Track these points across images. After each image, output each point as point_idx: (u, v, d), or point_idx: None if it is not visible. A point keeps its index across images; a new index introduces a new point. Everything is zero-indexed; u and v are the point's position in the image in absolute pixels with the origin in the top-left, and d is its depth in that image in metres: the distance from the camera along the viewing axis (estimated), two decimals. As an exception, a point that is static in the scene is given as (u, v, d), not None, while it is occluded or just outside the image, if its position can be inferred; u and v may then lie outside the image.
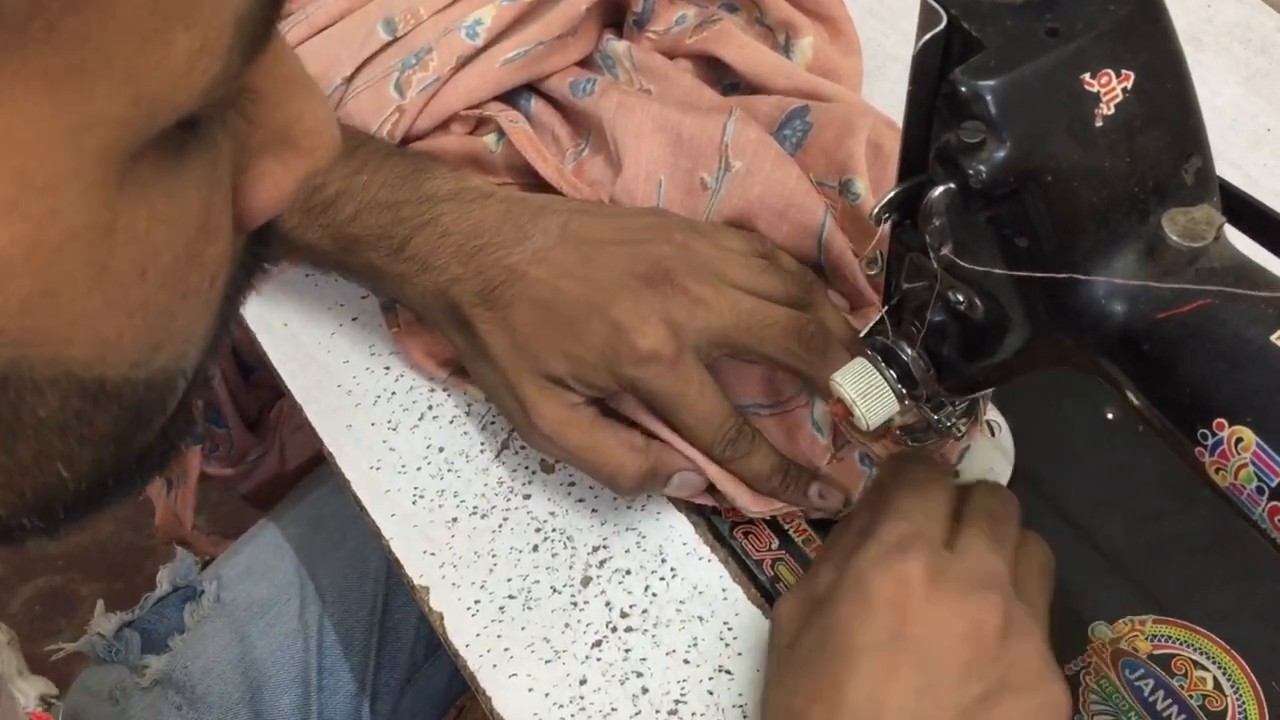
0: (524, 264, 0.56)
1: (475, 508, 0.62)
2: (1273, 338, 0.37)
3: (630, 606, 0.58)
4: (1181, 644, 0.56)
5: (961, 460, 0.60)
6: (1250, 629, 0.56)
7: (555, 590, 0.59)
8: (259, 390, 0.94)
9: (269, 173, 0.30)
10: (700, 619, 0.58)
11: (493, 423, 0.64)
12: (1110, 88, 0.38)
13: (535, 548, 0.60)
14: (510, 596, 0.59)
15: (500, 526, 0.61)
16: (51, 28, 0.22)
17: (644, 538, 0.60)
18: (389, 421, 0.65)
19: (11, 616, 1.46)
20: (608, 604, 0.58)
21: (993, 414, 0.61)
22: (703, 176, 0.62)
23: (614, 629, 0.58)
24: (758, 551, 0.59)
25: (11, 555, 1.54)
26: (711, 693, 0.56)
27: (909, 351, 0.49)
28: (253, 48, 0.26)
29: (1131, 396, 0.40)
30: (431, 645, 0.82)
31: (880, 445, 0.58)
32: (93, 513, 0.30)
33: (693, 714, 0.55)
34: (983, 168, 0.38)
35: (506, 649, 0.57)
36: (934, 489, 0.52)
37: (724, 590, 0.59)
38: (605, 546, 0.60)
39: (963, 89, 0.37)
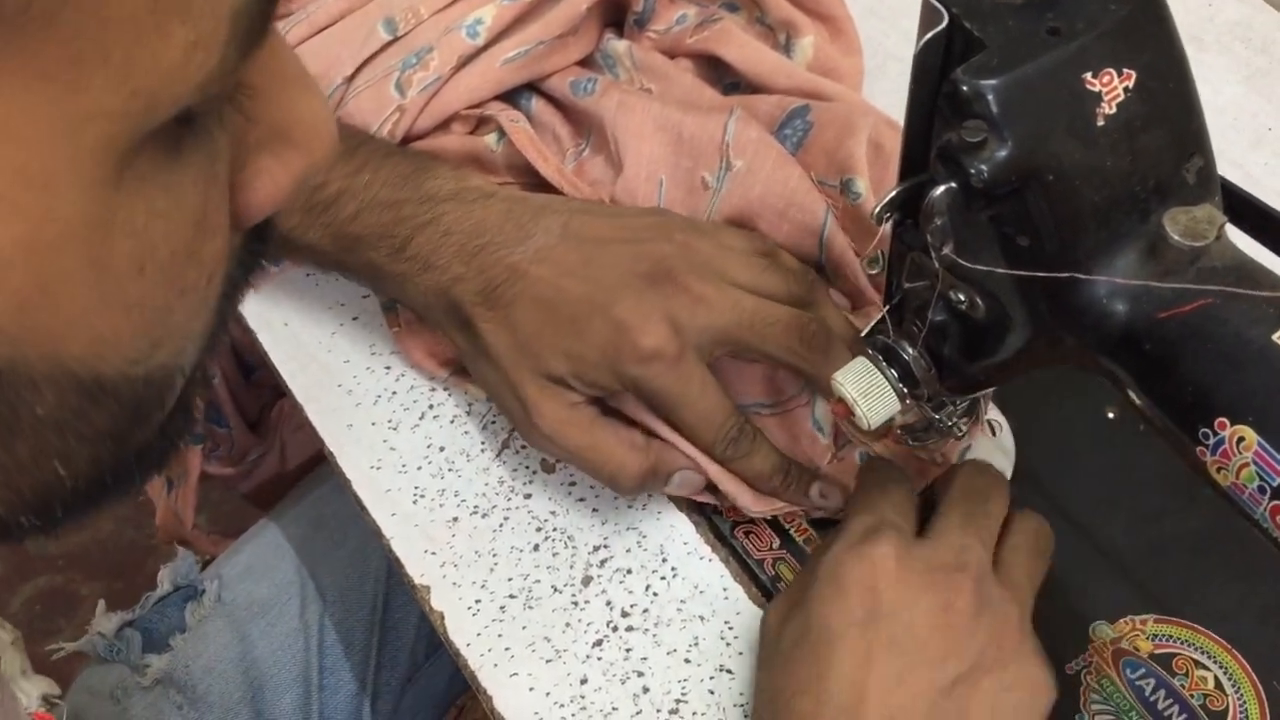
0: (525, 263, 0.56)
1: (476, 507, 0.62)
2: (1274, 337, 0.37)
3: (631, 606, 0.58)
4: (1183, 643, 0.56)
5: (962, 460, 0.60)
6: (1251, 628, 0.56)
7: (556, 589, 0.59)
8: (260, 390, 0.94)
9: (266, 170, 0.30)
10: (701, 618, 0.58)
11: (493, 422, 0.64)
12: (1112, 87, 0.38)
13: (536, 547, 0.60)
14: (511, 596, 0.59)
15: (501, 526, 0.61)
16: (47, 21, 0.22)
17: (645, 537, 0.60)
18: (390, 421, 0.65)
19: (11, 616, 1.46)
20: (609, 603, 0.58)
21: (994, 413, 0.61)
22: (704, 176, 0.62)
23: (615, 628, 0.58)
24: (759, 551, 0.59)
25: (11, 554, 1.54)
26: (713, 692, 0.56)
27: (910, 351, 0.49)
28: (249, 42, 0.25)
29: (1133, 396, 0.40)
30: (432, 644, 0.82)
31: (882, 445, 0.58)
32: (91, 511, 0.30)
33: (694, 713, 0.55)
34: (984, 167, 0.38)
35: (507, 648, 0.57)
36: (896, 485, 0.54)
37: (725, 590, 0.59)
38: (606, 546, 0.60)
39: (964, 88, 0.37)
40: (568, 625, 0.58)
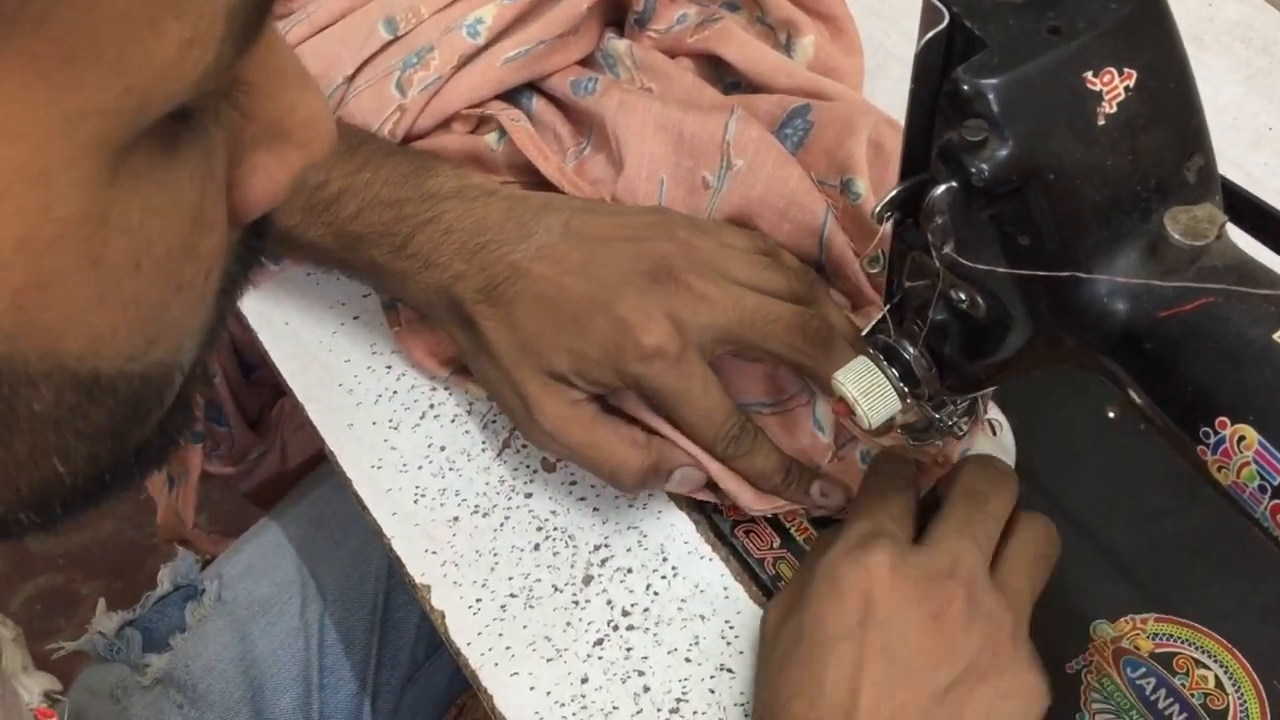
0: (527, 261, 0.56)
1: (477, 506, 0.62)
2: (1275, 336, 0.37)
3: (632, 605, 0.58)
4: (1183, 642, 0.56)
5: (963, 458, 0.60)
6: (1252, 627, 0.56)
7: (557, 589, 0.59)
8: (260, 389, 0.94)
9: (263, 166, 0.30)
10: (702, 617, 0.58)
11: (494, 421, 0.64)
12: (1112, 86, 0.38)
13: (537, 546, 0.60)
14: (512, 595, 0.59)
15: (502, 525, 0.61)
16: (42, 17, 0.22)
17: (645, 536, 0.60)
18: (390, 420, 0.65)
19: (12, 615, 1.46)
20: (609, 602, 0.58)
21: (994, 413, 0.61)
22: (704, 175, 0.62)
23: (615, 627, 0.58)
24: (759, 550, 0.59)
25: (12, 554, 1.54)
26: (713, 691, 0.56)
27: (911, 350, 0.49)
28: (245, 38, 0.25)
29: (1134, 395, 0.40)
30: (433, 644, 0.82)
31: (889, 438, 0.58)
32: (90, 508, 0.30)
33: (694, 712, 0.55)
34: (985, 166, 0.38)
35: (508, 647, 0.57)
36: (894, 493, 0.54)
37: (725, 589, 0.59)
38: (607, 545, 0.60)
39: (965, 87, 0.37)
40: (568, 624, 0.58)
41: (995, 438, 0.61)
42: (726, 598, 0.58)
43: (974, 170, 0.38)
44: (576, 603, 0.58)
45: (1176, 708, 0.54)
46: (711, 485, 0.58)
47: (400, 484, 0.62)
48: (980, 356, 0.46)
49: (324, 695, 0.78)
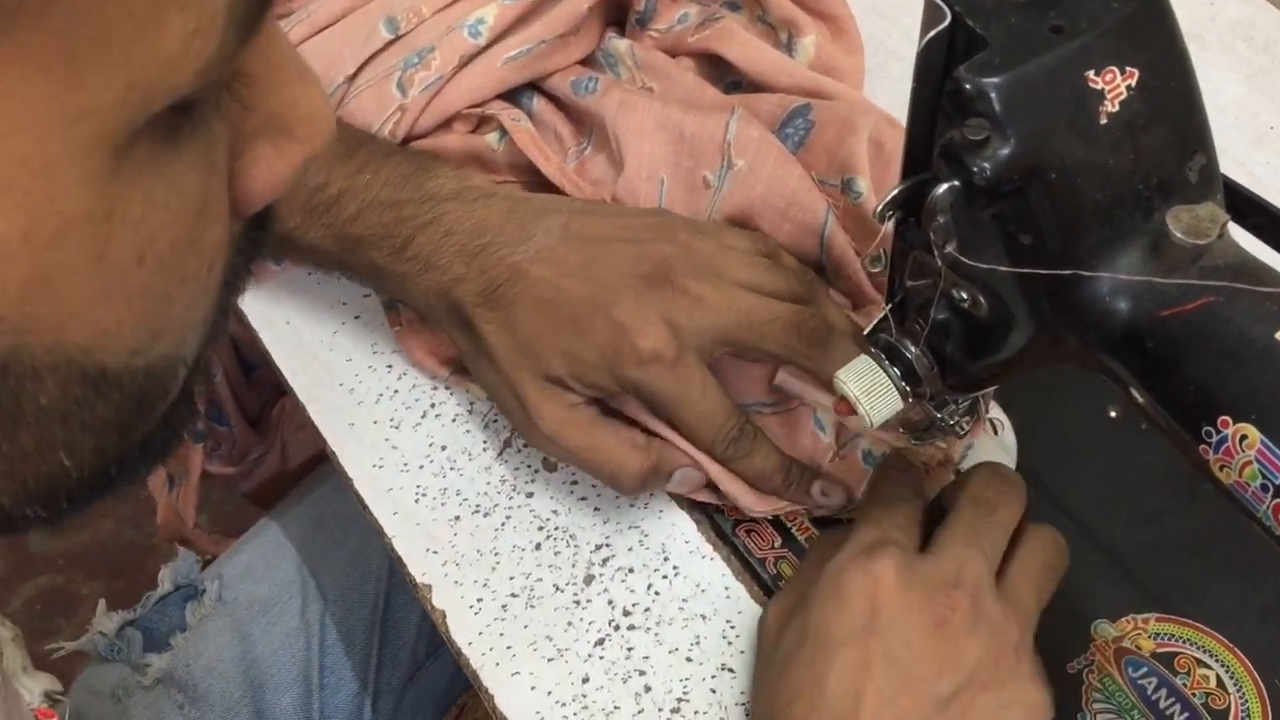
0: (527, 263, 0.56)
1: (478, 506, 0.62)
2: (1277, 335, 0.37)
3: (633, 605, 0.58)
4: (1184, 642, 0.56)
5: (964, 459, 0.60)
6: (1253, 627, 0.56)
7: (558, 588, 0.59)
8: (261, 388, 0.94)
9: (264, 158, 0.30)
10: (703, 617, 0.58)
11: (495, 421, 0.64)
12: (1114, 85, 0.38)
13: (538, 546, 0.60)
14: (513, 595, 0.59)
15: (503, 525, 0.61)
16: (44, 11, 0.21)
17: (646, 536, 0.60)
18: (391, 420, 0.65)
19: (12, 615, 1.46)
20: (610, 602, 0.58)
21: (995, 412, 0.61)
22: (705, 175, 0.62)
23: (617, 627, 0.58)
24: (760, 550, 0.59)
25: (12, 554, 1.54)
26: (714, 691, 0.56)
27: (913, 349, 0.49)
28: (246, 29, 0.25)
29: (1135, 394, 0.40)
30: (433, 643, 0.82)
31: (892, 436, 0.58)
32: (96, 501, 0.30)
33: (695, 712, 0.55)
34: (987, 165, 0.38)
35: (509, 647, 0.57)
36: (901, 501, 0.54)
37: (727, 588, 0.59)
38: (608, 545, 0.60)
39: (967, 86, 0.37)
40: (569, 624, 0.58)
41: (997, 437, 0.61)
42: (728, 597, 0.58)
43: (976, 169, 0.38)
44: (578, 602, 0.58)
45: (1178, 707, 0.54)
46: (712, 486, 0.58)
47: (401, 483, 0.62)
48: (982, 356, 0.46)
49: (324, 695, 0.78)
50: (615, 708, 0.55)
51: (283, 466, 0.97)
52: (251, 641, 0.77)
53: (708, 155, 0.62)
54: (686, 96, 0.65)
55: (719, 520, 0.60)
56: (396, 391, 0.65)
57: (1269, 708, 0.54)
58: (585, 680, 0.56)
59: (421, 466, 0.63)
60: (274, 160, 0.31)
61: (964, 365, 0.47)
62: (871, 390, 0.49)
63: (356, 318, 0.68)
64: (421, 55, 0.64)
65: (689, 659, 0.57)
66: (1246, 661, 0.55)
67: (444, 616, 0.58)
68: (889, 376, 0.49)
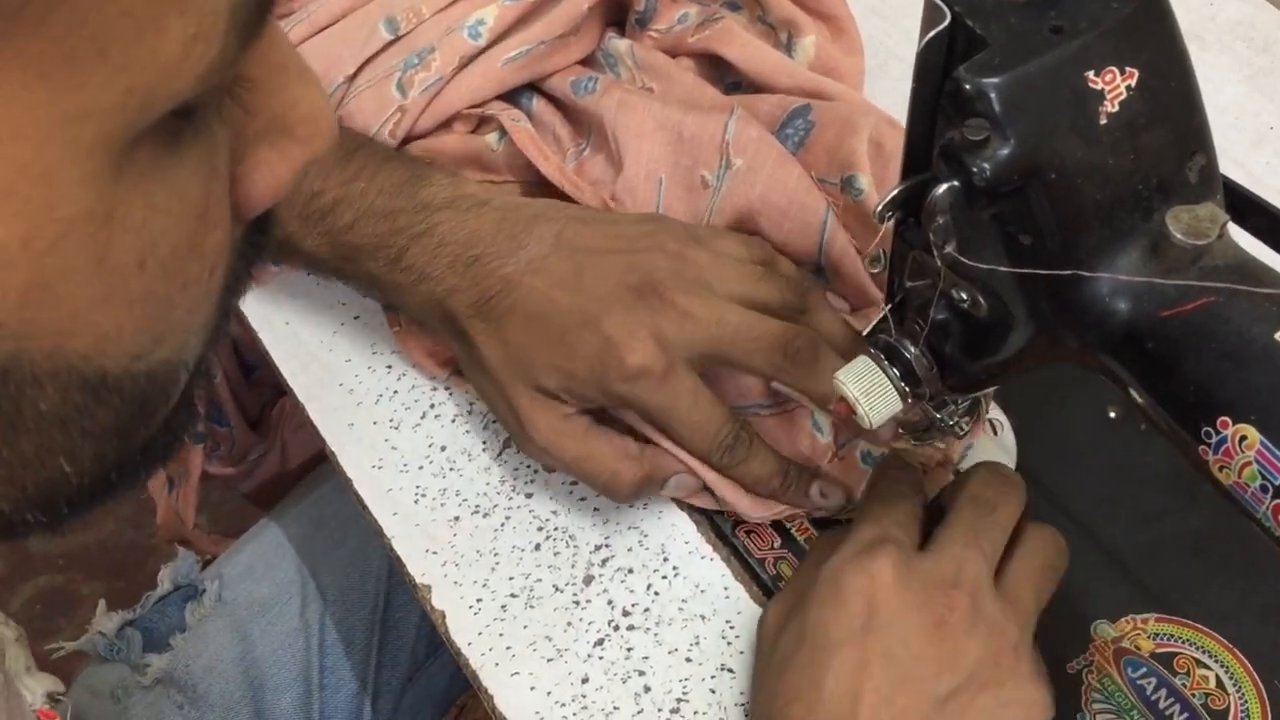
0: (518, 274, 0.56)
1: (477, 506, 0.62)
2: (1277, 336, 0.37)
3: (632, 605, 0.58)
4: (1184, 642, 0.56)
5: (964, 459, 0.60)
6: (1253, 627, 0.56)
7: (557, 589, 0.59)
8: (261, 389, 0.94)
9: (266, 161, 0.30)
10: (702, 617, 0.58)
11: (494, 421, 0.64)
12: (1114, 85, 0.38)
13: (537, 546, 0.60)
14: (512, 595, 0.59)
15: (502, 525, 0.61)
16: (44, 16, 0.21)
17: (646, 536, 0.60)
18: (391, 420, 0.65)
19: (12, 615, 1.46)
20: (610, 602, 0.58)
21: (995, 412, 0.61)
22: (704, 175, 0.62)
23: (616, 627, 0.58)
24: (760, 550, 0.59)
25: (12, 554, 1.54)
26: (714, 691, 0.56)
27: (912, 350, 0.49)
28: (248, 33, 0.25)
29: (1135, 395, 0.40)
30: (433, 644, 0.82)
31: (900, 439, 0.58)
32: (97, 506, 0.30)
33: (695, 713, 0.55)
34: (986, 165, 0.38)
35: (508, 647, 0.57)
36: (901, 499, 0.54)
37: (726, 589, 0.59)
38: (607, 545, 0.60)
39: (967, 86, 0.37)
40: (569, 624, 0.58)
41: (996, 437, 0.61)
42: (727, 598, 0.58)
43: (975, 169, 0.38)
44: (577, 603, 0.58)
45: (1177, 708, 0.54)
46: (709, 491, 0.58)
47: (401, 484, 0.62)
48: (981, 356, 0.46)
49: (324, 695, 0.78)
50: (615, 708, 0.55)
51: (282, 467, 0.97)
52: (251, 642, 0.77)
53: (707, 155, 0.62)
54: (686, 97, 0.65)
55: (718, 521, 0.60)
56: (396, 392, 0.65)
57: (1268, 708, 0.54)
58: (585, 680, 0.56)
59: (421, 467, 0.63)
60: (275, 163, 0.30)
61: (963, 366, 0.47)
62: (871, 391, 0.49)
63: (356, 318, 0.68)
64: (421, 56, 0.64)
65: (688, 659, 0.57)
66: (1246, 662, 0.55)
67: (443, 617, 0.58)
68: (888, 377, 0.49)
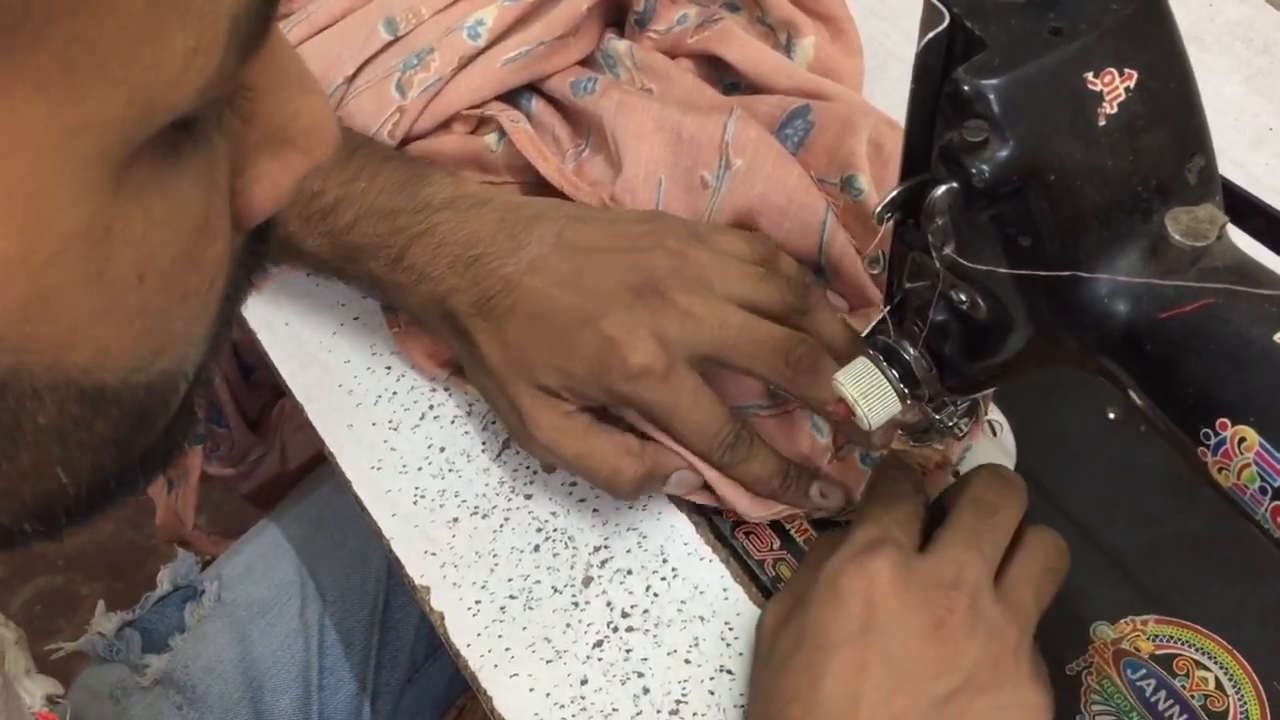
0: (519, 274, 0.56)
1: (476, 508, 0.62)
2: (1276, 337, 0.37)
3: (631, 606, 0.58)
4: (1183, 644, 0.56)
5: (962, 460, 0.60)
6: (1252, 629, 0.56)
7: (556, 590, 0.59)
8: (260, 390, 0.94)
9: (267, 172, 0.30)
10: (701, 619, 0.58)
11: (493, 422, 0.64)
12: (1113, 87, 0.38)
13: (536, 548, 0.60)
14: (511, 596, 0.59)
15: (501, 526, 0.61)
16: (42, 30, 0.21)
17: (645, 538, 0.60)
18: (390, 421, 0.65)
19: (12, 616, 1.46)
20: (609, 604, 0.58)
21: (994, 414, 0.61)
22: (703, 175, 0.62)
23: (615, 629, 0.58)
24: (759, 551, 0.59)
25: (12, 555, 1.54)
26: (713, 693, 0.56)
27: (911, 351, 0.48)
28: (249, 45, 0.25)
29: (1134, 396, 0.40)
30: (432, 645, 0.82)
31: (898, 441, 0.58)
32: (95, 514, 0.30)
33: (694, 714, 0.55)
34: (985, 167, 0.38)
35: (507, 649, 0.57)
36: (903, 500, 0.54)
37: (725, 590, 0.59)
38: (606, 546, 0.60)
39: (966, 88, 0.37)
40: (568, 626, 0.58)
41: (995, 438, 0.61)
42: (726, 599, 0.58)
43: (975, 171, 0.38)
44: (576, 604, 0.58)
45: (1177, 709, 0.54)
46: (708, 488, 0.58)
47: (400, 485, 0.62)
48: (980, 358, 0.46)
49: (323, 696, 0.78)
50: (614, 709, 0.55)
51: (282, 468, 0.97)
52: (250, 642, 0.77)
53: (706, 156, 0.62)
54: (685, 98, 0.65)
55: (717, 522, 0.60)
56: (395, 393, 0.65)
57: (1268, 710, 0.54)
58: (584, 682, 0.56)
59: (420, 468, 0.63)
60: (277, 173, 0.30)
61: (962, 367, 0.47)
62: (870, 392, 0.49)
63: (355, 319, 0.68)
64: (421, 56, 0.64)
65: (687, 661, 0.57)
66: (1245, 664, 0.55)
67: (442, 618, 0.58)
68: (887, 378, 0.49)
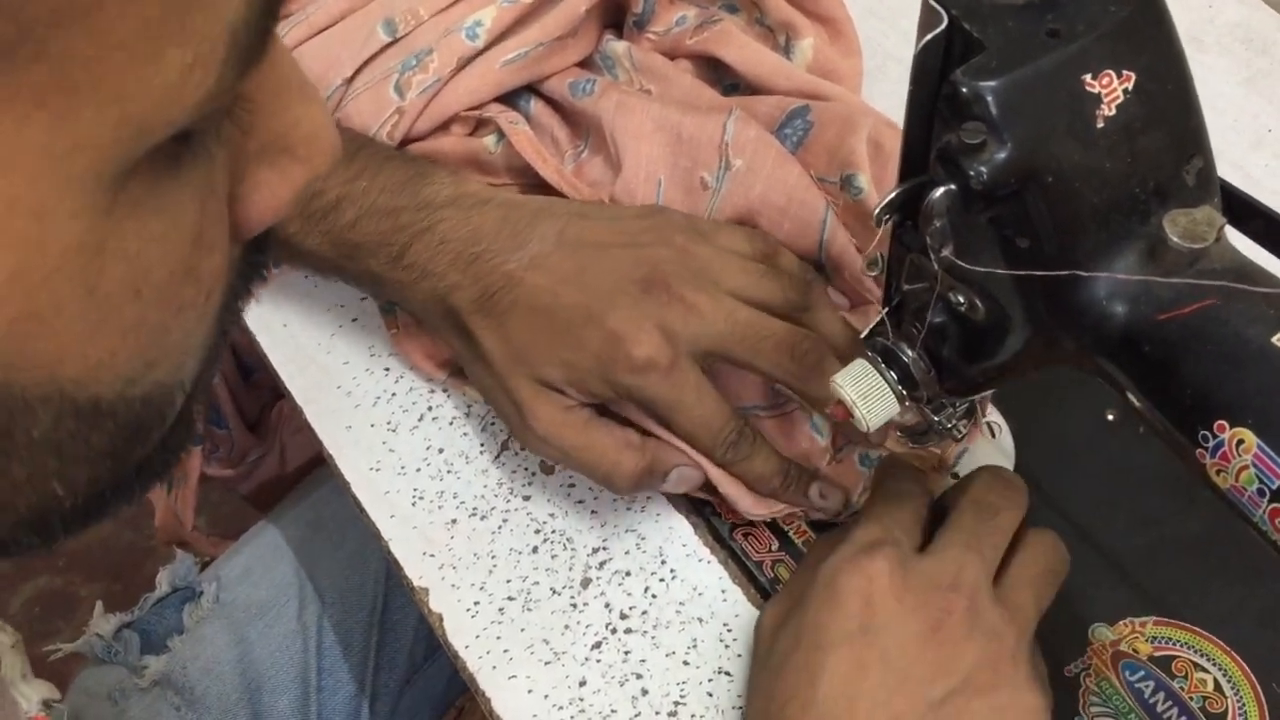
0: (521, 270, 0.56)
1: (475, 509, 0.62)
2: (1274, 339, 0.37)
3: (630, 608, 0.58)
4: (1182, 645, 0.56)
5: (960, 462, 0.60)
6: (1251, 631, 0.56)
7: (555, 592, 0.59)
8: (259, 391, 0.94)
9: (266, 182, 0.30)
10: (700, 620, 0.58)
11: (492, 424, 0.64)
12: (1111, 89, 0.38)
13: (535, 549, 0.60)
14: (510, 598, 0.59)
15: (500, 528, 0.61)
16: (39, 49, 0.21)
17: (644, 539, 0.60)
18: (388, 423, 0.65)
19: (11, 617, 1.46)
20: (607, 605, 0.58)
21: (993, 415, 0.61)
22: (703, 175, 0.62)
23: (614, 630, 0.58)
24: (757, 553, 0.59)
25: (10, 557, 1.53)
26: (711, 694, 0.56)
27: (909, 353, 0.48)
28: (249, 59, 0.25)
29: (1132, 398, 0.40)
30: (431, 646, 0.82)
31: (894, 441, 0.58)
32: (91, 524, 0.30)
33: (692, 715, 0.55)
34: (984, 169, 0.38)
35: (506, 650, 0.57)
36: (907, 499, 0.54)
37: (724, 592, 0.59)
38: (605, 548, 0.60)
39: (964, 90, 0.37)
40: (566, 627, 0.58)
41: (994, 440, 0.61)
42: (725, 600, 0.58)
43: (973, 173, 0.38)
44: (574, 605, 0.58)
45: (1175, 711, 0.54)
46: (709, 486, 0.58)
47: (398, 486, 0.62)
48: (979, 359, 0.46)
49: (322, 697, 0.78)
50: (612, 711, 0.55)
51: (281, 469, 0.97)
52: (249, 644, 0.77)
53: (705, 156, 0.62)
54: (684, 99, 0.65)
55: (716, 523, 0.60)
56: (394, 394, 0.65)
57: (1266, 712, 0.54)
58: (582, 683, 0.56)
59: (419, 470, 0.63)
60: (276, 183, 0.30)
61: (961, 369, 0.47)
62: (868, 394, 0.49)
63: (354, 321, 0.68)
64: (419, 58, 0.64)
65: (686, 662, 0.57)
66: (1244, 665, 0.55)
67: (441, 620, 0.58)
68: (886, 380, 0.49)
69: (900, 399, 0.49)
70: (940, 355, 0.48)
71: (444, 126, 0.66)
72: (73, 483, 0.27)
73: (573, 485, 0.62)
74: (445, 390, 0.65)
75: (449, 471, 0.63)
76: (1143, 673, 0.55)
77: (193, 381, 0.30)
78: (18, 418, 0.25)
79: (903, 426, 0.55)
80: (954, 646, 0.48)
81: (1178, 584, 0.57)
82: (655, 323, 0.54)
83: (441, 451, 0.63)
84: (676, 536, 0.60)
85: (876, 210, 0.43)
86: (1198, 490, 0.39)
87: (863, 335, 0.51)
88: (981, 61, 0.38)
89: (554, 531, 0.61)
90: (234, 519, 1.26)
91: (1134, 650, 0.56)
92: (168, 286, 0.27)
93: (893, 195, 0.43)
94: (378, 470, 0.63)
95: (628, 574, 0.59)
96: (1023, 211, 0.39)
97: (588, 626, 0.58)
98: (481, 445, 0.64)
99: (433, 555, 0.60)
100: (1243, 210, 0.41)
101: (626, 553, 0.60)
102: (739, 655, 0.57)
